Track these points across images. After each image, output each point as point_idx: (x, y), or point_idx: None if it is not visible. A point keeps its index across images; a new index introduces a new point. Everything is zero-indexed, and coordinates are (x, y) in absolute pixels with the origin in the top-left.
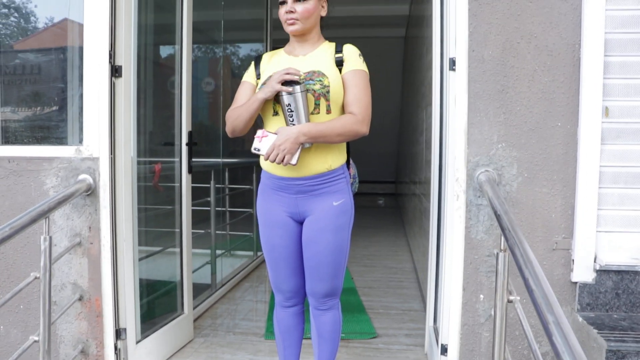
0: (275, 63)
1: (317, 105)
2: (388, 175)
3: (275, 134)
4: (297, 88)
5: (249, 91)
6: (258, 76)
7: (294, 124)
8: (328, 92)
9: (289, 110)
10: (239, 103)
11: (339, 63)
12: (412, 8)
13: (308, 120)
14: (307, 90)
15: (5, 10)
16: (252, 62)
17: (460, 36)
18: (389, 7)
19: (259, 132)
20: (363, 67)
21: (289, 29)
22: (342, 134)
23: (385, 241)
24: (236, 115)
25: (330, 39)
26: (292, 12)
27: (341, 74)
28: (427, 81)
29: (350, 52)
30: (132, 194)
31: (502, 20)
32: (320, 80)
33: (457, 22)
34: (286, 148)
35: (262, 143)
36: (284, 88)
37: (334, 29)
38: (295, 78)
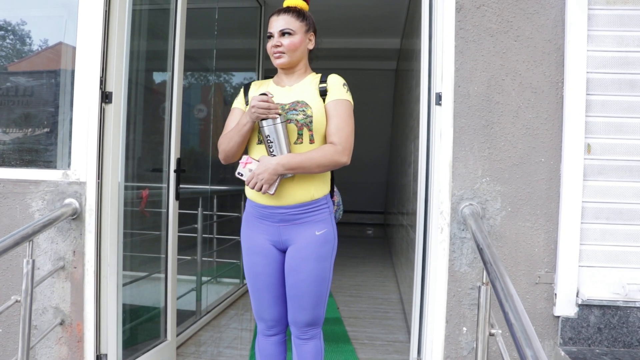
0: (263, 91)
1: (300, 135)
2: (377, 205)
3: (259, 161)
4: (278, 119)
5: (240, 117)
6: (247, 103)
7: (274, 155)
8: (311, 122)
9: (269, 140)
10: (228, 128)
11: (323, 93)
12: (402, 42)
13: (289, 150)
14: (289, 121)
15: (2, 32)
16: (242, 89)
17: (447, 72)
18: (381, 40)
19: (244, 158)
20: (346, 96)
21: (275, 62)
22: (321, 164)
23: (372, 271)
24: (228, 140)
25: (321, 70)
26: (278, 45)
27: (324, 103)
28: (415, 114)
29: (334, 82)
30: (118, 219)
31: (487, 58)
32: (303, 110)
33: (444, 59)
34: (264, 178)
35: (245, 169)
36: (271, 115)
37: (326, 60)
38: (272, 110)
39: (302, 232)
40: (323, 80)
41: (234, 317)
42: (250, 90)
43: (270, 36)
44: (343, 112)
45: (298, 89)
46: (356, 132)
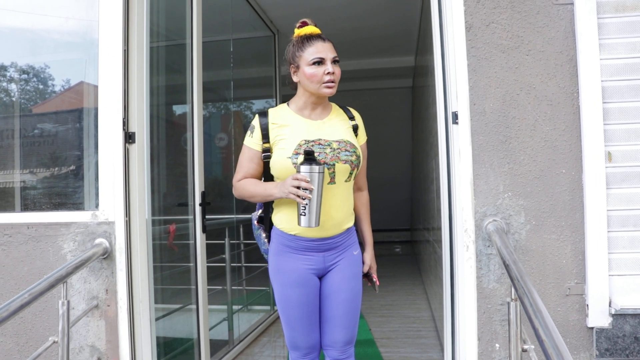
0: (292, 125)
1: (350, 174)
2: (403, 222)
3: (369, 270)
4: (317, 168)
5: (256, 159)
6: (265, 138)
7: (303, 209)
8: (359, 162)
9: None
10: (245, 170)
11: (355, 130)
12: (417, 59)
13: (320, 201)
14: (344, 162)
15: (25, 76)
16: (257, 124)
17: (461, 91)
18: (395, 59)
19: (375, 280)
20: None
21: (327, 91)
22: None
23: (402, 290)
24: (249, 194)
25: (338, 92)
26: (333, 73)
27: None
28: (434, 131)
29: (361, 120)
30: (147, 256)
31: (500, 74)
32: (354, 152)
33: (457, 77)
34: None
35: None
36: (302, 175)
37: (344, 82)
38: (307, 195)
39: (343, 254)
40: (351, 117)
41: (267, 344)
42: (270, 122)
43: (319, 62)
44: (366, 153)
45: (332, 124)
46: (378, 150)
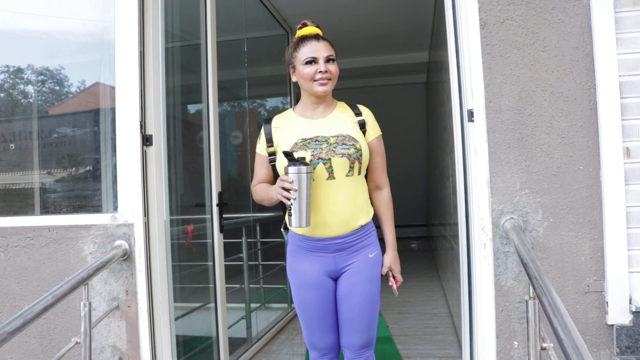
0: (293, 127)
1: (351, 168)
2: (419, 218)
3: (392, 272)
4: (304, 168)
5: (265, 163)
6: (269, 142)
7: (291, 206)
8: (361, 155)
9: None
10: (258, 176)
11: (362, 126)
12: (431, 54)
13: (308, 201)
14: (331, 161)
15: (42, 77)
16: (262, 132)
17: (476, 89)
18: (409, 55)
19: (391, 284)
20: (380, 131)
21: (320, 89)
22: (393, 213)
23: (419, 286)
24: (260, 199)
25: (352, 89)
26: (326, 72)
27: (365, 136)
28: (449, 128)
29: (370, 116)
30: (166, 257)
31: (516, 71)
32: (353, 145)
33: (472, 75)
34: (400, 268)
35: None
36: (290, 172)
37: (357, 79)
38: (291, 196)
39: (357, 257)
40: (357, 113)
41: (285, 342)
42: (273, 127)
43: (311, 62)
44: (383, 148)
45: (334, 120)
46: (393, 146)
